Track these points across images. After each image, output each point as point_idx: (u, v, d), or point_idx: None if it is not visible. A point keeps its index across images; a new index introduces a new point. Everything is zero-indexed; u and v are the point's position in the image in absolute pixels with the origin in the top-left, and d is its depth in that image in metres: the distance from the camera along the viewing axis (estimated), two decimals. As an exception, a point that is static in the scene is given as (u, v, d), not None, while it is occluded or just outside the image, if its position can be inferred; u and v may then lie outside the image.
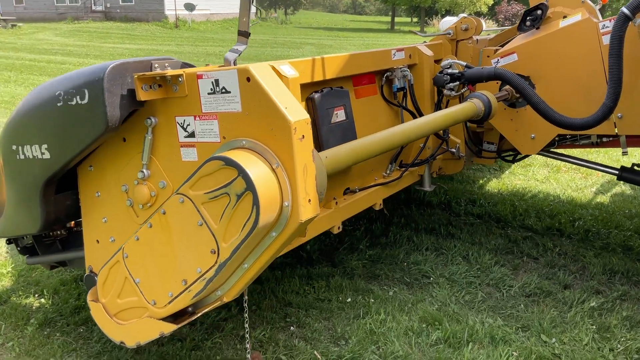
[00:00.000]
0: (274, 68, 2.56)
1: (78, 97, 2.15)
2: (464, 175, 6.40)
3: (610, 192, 5.88)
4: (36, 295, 3.66)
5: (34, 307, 3.53)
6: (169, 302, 2.29)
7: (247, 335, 2.64)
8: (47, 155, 2.38)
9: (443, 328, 3.36)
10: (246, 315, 2.58)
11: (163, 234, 2.25)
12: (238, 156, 1.98)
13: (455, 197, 5.57)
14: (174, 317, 2.38)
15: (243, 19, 2.24)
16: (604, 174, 6.18)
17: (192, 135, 2.20)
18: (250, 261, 2.15)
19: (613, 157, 7.00)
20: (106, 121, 2.10)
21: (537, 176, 6.44)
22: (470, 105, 3.28)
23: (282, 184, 2.00)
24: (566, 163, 6.34)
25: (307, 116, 2.01)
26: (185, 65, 2.35)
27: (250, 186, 1.93)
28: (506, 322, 3.47)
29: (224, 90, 2.07)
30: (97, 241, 2.61)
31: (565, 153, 4.48)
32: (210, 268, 2.12)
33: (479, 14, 41.05)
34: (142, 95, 2.13)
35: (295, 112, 1.99)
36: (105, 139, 2.26)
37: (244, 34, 2.26)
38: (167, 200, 2.23)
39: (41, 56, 20.23)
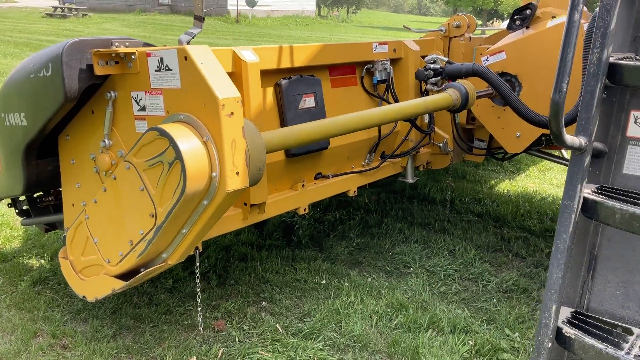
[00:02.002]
0: (235, 53, 2.77)
1: (44, 69, 2.40)
2: (477, 175, 6.41)
3: (624, 199, 5.77)
4: (38, 257, 3.99)
5: (33, 267, 3.86)
6: (120, 261, 2.51)
7: (199, 300, 2.83)
8: (25, 123, 2.65)
9: (407, 314, 3.46)
10: (197, 280, 2.77)
11: (114, 198, 2.48)
12: (171, 128, 2.17)
13: (461, 195, 5.61)
14: (130, 276, 2.60)
15: (198, 4, 2.43)
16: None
17: (143, 109, 2.42)
18: (188, 227, 2.34)
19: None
20: (64, 92, 2.35)
21: (553, 180, 6.37)
22: (445, 96, 3.34)
23: (211, 156, 2.18)
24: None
25: (237, 95, 2.18)
26: (147, 45, 2.57)
27: (178, 155, 2.12)
28: (474, 314, 3.54)
29: (167, 68, 2.27)
30: (73, 205, 2.87)
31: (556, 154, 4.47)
32: (150, 230, 2.33)
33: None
34: (98, 70, 2.37)
35: (226, 90, 2.16)
36: (67, 109, 2.51)
37: (198, 19, 2.45)
38: (118, 166, 2.46)
39: (103, 45, 21.15)
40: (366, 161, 3.75)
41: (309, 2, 45.91)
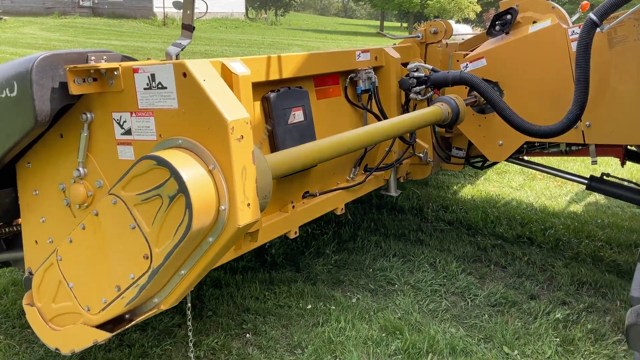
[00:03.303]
0: (224, 65, 2.47)
1: (7, 89, 2.03)
2: (438, 181, 6.32)
3: (584, 201, 5.84)
4: (-17, 296, 3.52)
5: (-21, 309, 3.39)
6: (103, 309, 2.17)
7: (191, 345, 2.52)
8: (-22, 151, 2.25)
9: (403, 338, 3.26)
10: (189, 323, 2.46)
11: (96, 237, 2.13)
12: (171, 156, 1.87)
13: (428, 202, 5.49)
14: (112, 324, 2.26)
15: (187, 12, 2.13)
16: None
17: (128, 132, 2.09)
18: (187, 267, 2.04)
19: (589, 164, 6.95)
20: (35, 116, 1.98)
21: (512, 183, 6.37)
22: (437, 110, 3.19)
23: (218, 187, 1.89)
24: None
25: (247, 115, 1.91)
26: (126, 59, 2.23)
27: (182, 188, 1.81)
28: (469, 332, 3.38)
29: (160, 86, 1.96)
30: (36, 242, 2.48)
31: (535, 161, 4.41)
32: (144, 274, 2.00)
33: (467, 20, 41.26)
34: (74, 89, 2.01)
35: (234, 110, 1.88)
36: (35, 134, 2.14)
37: (188, 28, 2.15)
38: (100, 200, 2.11)
39: (23, 50, 19.88)
40: (351, 176, 3.53)
41: (237, 4, 45.26)
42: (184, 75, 1.90)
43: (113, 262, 2.09)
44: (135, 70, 2.01)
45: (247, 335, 3.27)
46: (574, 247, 4.55)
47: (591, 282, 3.96)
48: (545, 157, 4.54)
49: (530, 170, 6.95)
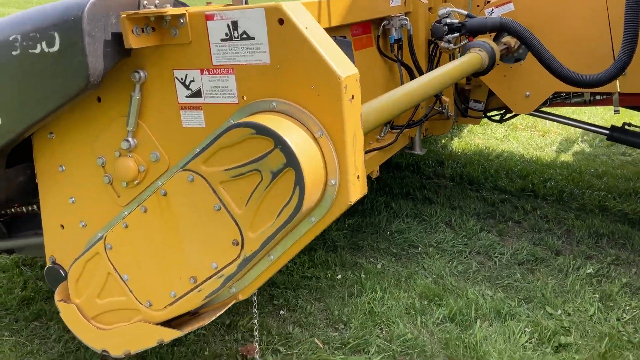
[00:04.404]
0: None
1: (44, 43, 1.60)
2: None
3: (570, 150, 5.82)
4: (-30, 287, 3.07)
5: (-31, 302, 2.95)
6: (171, 304, 1.84)
7: (256, 333, 2.23)
8: (-4, 121, 1.83)
9: (446, 304, 3.09)
10: (255, 309, 2.16)
11: (163, 221, 1.78)
12: (272, 122, 1.54)
13: (422, 158, 5.31)
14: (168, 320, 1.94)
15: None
16: (561, 132, 6.17)
17: (197, 94, 1.72)
18: (278, 252, 1.74)
19: (567, 113, 6.94)
20: (87, 75, 1.58)
21: (496, 135, 6.28)
22: (476, 57, 2.95)
23: (327, 158, 1.58)
24: (521, 121, 6.27)
25: (357, 71, 1.59)
26: (179, 4, 1.84)
27: (292, 161, 1.50)
28: (507, 294, 3.25)
29: (244, 36, 1.60)
30: (62, 226, 2.09)
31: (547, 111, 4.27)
32: (231, 263, 1.69)
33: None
34: (133, 42, 1.62)
35: (344, 65, 1.57)
36: (82, 99, 1.74)
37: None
38: (170, 178, 1.75)
39: None
40: (382, 135, 3.26)
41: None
42: (280, 22, 1.55)
43: (187, 250, 1.76)
44: (209, 17, 1.63)
45: (282, 311, 3.01)
46: (578, 199, 4.50)
47: (608, 233, 3.91)
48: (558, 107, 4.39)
49: (512, 120, 6.95)
